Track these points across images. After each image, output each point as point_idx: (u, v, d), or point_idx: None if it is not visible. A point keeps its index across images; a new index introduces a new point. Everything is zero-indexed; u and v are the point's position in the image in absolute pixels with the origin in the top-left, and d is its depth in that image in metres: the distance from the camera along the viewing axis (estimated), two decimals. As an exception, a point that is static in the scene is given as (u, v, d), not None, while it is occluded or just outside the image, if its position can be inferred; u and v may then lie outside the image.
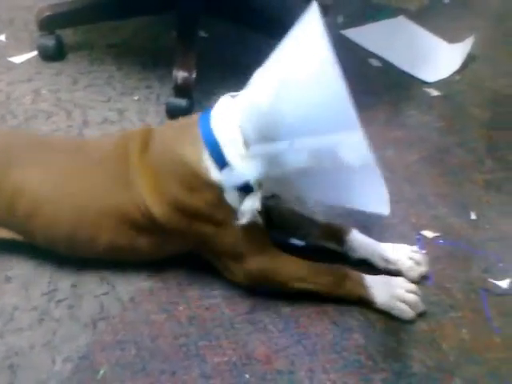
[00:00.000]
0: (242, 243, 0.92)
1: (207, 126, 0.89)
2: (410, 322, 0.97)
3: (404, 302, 0.96)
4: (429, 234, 1.16)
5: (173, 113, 1.30)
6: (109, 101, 1.35)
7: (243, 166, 0.87)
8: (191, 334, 0.92)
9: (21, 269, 0.97)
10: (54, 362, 0.85)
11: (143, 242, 0.95)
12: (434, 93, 1.56)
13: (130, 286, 0.97)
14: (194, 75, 1.28)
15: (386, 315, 0.97)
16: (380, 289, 0.96)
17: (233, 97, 0.92)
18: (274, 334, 0.94)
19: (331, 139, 0.77)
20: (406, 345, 0.95)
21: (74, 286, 0.96)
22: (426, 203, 1.23)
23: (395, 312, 0.96)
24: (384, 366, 0.92)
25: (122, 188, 0.93)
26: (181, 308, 0.95)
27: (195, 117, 0.95)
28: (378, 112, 1.47)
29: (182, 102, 1.29)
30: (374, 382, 0.89)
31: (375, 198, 0.83)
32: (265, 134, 0.83)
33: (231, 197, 0.89)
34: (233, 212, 0.90)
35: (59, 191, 0.94)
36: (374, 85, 1.58)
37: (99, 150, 0.99)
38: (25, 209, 0.93)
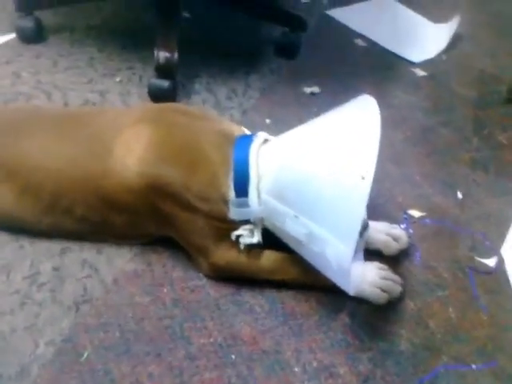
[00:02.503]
0: (209, 237, 0.92)
1: (244, 154, 0.91)
2: (397, 301, 0.98)
3: (378, 287, 0.95)
4: (415, 213, 1.15)
5: (155, 94, 1.27)
6: (90, 82, 1.32)
7: (255, 205, 0.90)
8: (176, 315, 0.91)
9: (1, 253, 0.95)
10: (36, 345, 0.83)
11: (116, 220, 0.93)
12: (421, 73, 1.55)
13: (114, 269, 0.95)
14: (176, 56, 1.25)
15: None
16: (353, 277, 0.91)
17: (266, 141, 0.95)
18: (260, 314, 0.93)
19: (327, 236, 0.82)
20: (393, 324, 0.94)
21: (56, 269, 0.94)
22: (411, 183, 1.22)
23: (370, 298, 0.95)
24: (371, 344, 0.91)
25: (100, 157, 0.91)
26: (165, 290, 0.94)
27: (234, 133, 0.95)
28: (362, 93, 1.46)
29: (165, 83, 1.26)
30: (361, 360, 0.89)
31: (344, 282, 0.89)
32: (281, 195, 0.88)
33: (233, 214, 0.91)
34: (230, 223, 0.91)
35: (45, 160, 0.92)
36: (360, 65, 1.56)
37: (98, 119, 0.97)
38: (21, 181, 0.92)
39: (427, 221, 1.14)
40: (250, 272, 0.95)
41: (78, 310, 0.88)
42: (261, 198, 0.89)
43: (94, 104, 1.26)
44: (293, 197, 0.87)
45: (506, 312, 0.99)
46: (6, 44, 1.40)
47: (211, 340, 0.88)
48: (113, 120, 0.95)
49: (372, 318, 0.95)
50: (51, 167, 0.91)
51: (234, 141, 0.93)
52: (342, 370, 0.87)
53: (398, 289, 0.97)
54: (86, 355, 0.84)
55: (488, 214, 1.17)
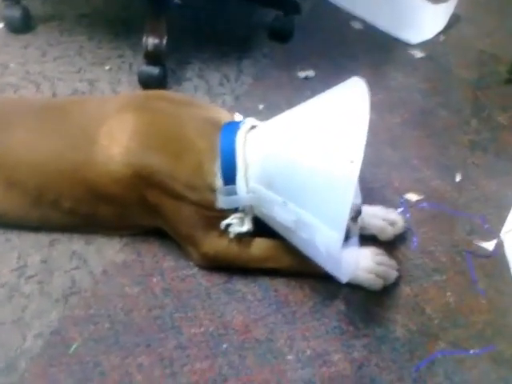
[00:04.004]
0: (198, 227, 0.90)
1: (230, 142, 0.89)
2: (393, 286, 0.95)
3: (373, 273, 0.93)
4: (412, 197, 1.12)
5: (145, 81, 1.24)
6: (79, 72, 1.29)
7: (243, 193, 0.88)
8: (166, 305, 0.89)
9: (-12, 246, 0.94)
10: (24, 338, 0.82)
11: (105, 212, 0.92)
12: (419, 54, 1.51)
13: (103, 260, 0.93)
14: (164, 42, 1.22)
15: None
16: (347, 264, 0.91)
17: (254, 127, 0.93)
18: (252, 303, 0.91)
19: (316, 223, 0.80)
20: (389, 310, 0.92)
21: (43, 261, 0.92)
22: (409, 166, 1.19)
23: (364, 284, 0.93)
24: (366, 331, 0.89)
25: (84, 147, 0.89)
26: (155, 280, 0.92)
27: (221, 120, 0.93)
28: (361, 75, 1.41)
29: (154, 70, 1.23)
30: (356, 347, 0.87)
31: (335, 269, 0.87)
32: (269, 182, 0.86)
33: (221, 203, 0.89)
34: (219, 212, 0.89)
35: (28, 153, 0.91)
36: (356, 48, 1.52)
37: (81, 109, 0.95)
38: (5, 176, 0.91)
39: (425, 205, 1.11)
40: (240, 261, 0.93)
41: (66, 302, 0.87)
42: (249, 185, 0.87)
43: (83, 93, 1.24)
44: (280, 183, 0.84)
45: (504, 296, 0.96)
46: (-6, 34, 1.39)
47: (202, 329, 0.87)
48: (96, 109, 0.93)
49: (367, 303, 0.93)
50: (35, 161, 0.90)
51: (220, 128, 0.91)
52: (336, 357, 0.85)
53: (393, 274, 0.95)
54: (74, 347, 0.82)
55: (487, 196, 1.14)
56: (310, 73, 1.40)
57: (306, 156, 0.83)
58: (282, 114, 0.93)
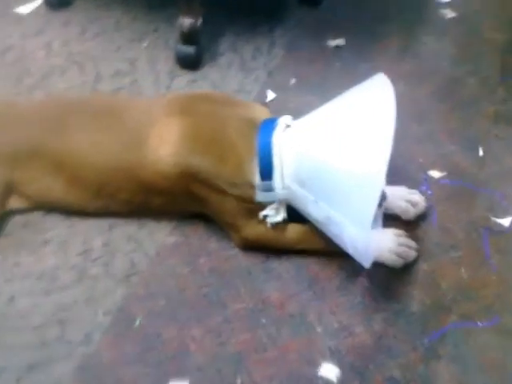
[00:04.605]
0: (239, 216, 1.01)
1: (267, 142, 0.98)
2: (412, 263, 1.06)
3: (395, 253, 1.03)
4: (435, 173, 1.20)
5: (182, 61, 1.31)
6: (118, 50, 1.36)
7: (279, 189, 0.99)
8: (213, 284, 1.03)
9: (56, 231, 1.07)
10: (96, 314, 0.98)
11: (156, 200, 1.04)
12: (450, 14, 1.50)
13: (155, 242, 1.07)
14: (200, 21, 1.27)
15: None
16: (369, 250, 1.00)
17: (288, 126, 1.01)
18: (286, 280, 1.04)
19: (344, 221, 0.90)
20: (407, 285, 1.04)
21: (105, 244, 1.06)
22: (433, 141, 1.25)
23: (387, 263, 1.04)
24: (386, 306, 1.02)
25: (137, 149, 1.00)
26: (202, 261, 1.06)
27: (258, 118, 1.02)
28: (392, 40, 1.44)
29: (191, 50, 1.29)
30: (376, 320, 1.00)
31: (360, 257, 0.97)
32: (302, 181, 0.95)
33: (259, 197, 1.00)
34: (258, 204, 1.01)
35: (89, 154, 1.02)
36: (389, 10, 1.52)
37: (132, 112, 1.05)
38: (68, 173, 1.03)
39: (447, 181, 1.19)
40: (276, 244, 1.05)
41: (128, 281, 1.02)
42: (284, 182, 0.97)
43: (125, 74, 1.32)
44: (312, 183, 0.94)
45: (514, 271, 1.07)
46: (35, 12, 1.44)
47: (244, 305, 1.01)
48: (145, 111, 1.03)
49: (388, 280, 1.05)
50: (95, 161, 1.02)
51: (258, 126, 1.00)
52: (358, 330, 0.99)
53: (413, 254, 1.06)
54: (138, 321, 0.98)
55: (507, 170, 1.21)
56: (341, 41, 1.43)
57: (335, 159, 0.92)
58: (313, 113, 1.00)
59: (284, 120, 1.01)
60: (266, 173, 0.98)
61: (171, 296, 1.01)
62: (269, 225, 1.02)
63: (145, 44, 1.37)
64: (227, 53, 1.38)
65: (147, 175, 1.00)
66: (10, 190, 1.05)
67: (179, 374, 0.91)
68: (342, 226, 0.91)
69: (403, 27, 1.47)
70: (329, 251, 1.05)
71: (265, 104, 1.28)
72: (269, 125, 1.00)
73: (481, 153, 1.23)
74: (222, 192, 0.99)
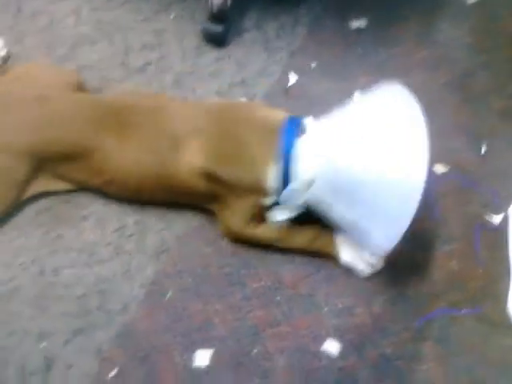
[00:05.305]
0: (243, 217, 1.11)
1: (290, 147, 1.05)
2: (410, 255, 1.19)
3: (367, 262, 1.14)
4: (440, 168, 1.29)
5: (210, 38, 1.34)
6: (146, 20, 1.38)
7: (301, 195, 1.07)
8: (234, 264, 1.16)
9: (93, 208, 1.18)
10: (131, 287, 1.11)
11: (181, 198, 1.16)
12: (471, 0, 1.52)
13: (183, 223, 1.18)
14: (229, 1, 1.28)
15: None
16: (346, 249, 1.14)
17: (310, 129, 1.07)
18: (299, 263, 1.17)
19: (371, 231, 1.01)
20: (404, 273, 1.18)
21: (137, 222, 1.17)
22: (442, 135, 1.30)
23: (356, 269, 1.15)
24: (384, 290, 1.16)
25: (173, 159, 1.09)
26: (224, 242, 1.17)
27: (279, 125, 1.08)
28: (410, 25, 1.47)
29: (218, 28, 1.32)
30: (375, 303, 1.14)
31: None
32: (333, 192, 1.02)
33: (269, 200, 1.10)
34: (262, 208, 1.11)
35: (132, 159, 1.11)
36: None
37: (170, 119, 1.12)
38: (108, 174, 1.12)
39: (449, 177, 1.29)
40: (256, 241, 1.15)
41: (158, 258, 1.14)
42: (307, 188, 1.05)
43: (152, 48, 1.35)
44: (345, 196, 1.02)
45: (499, 266, 1.20)
46: (63, -26, 1.43)
47: (261, 284, 1.14)
48: (181, 121, 1.11)
49: (387, 268, 1.17)
50: (133, 169, 1.10)
51: (280, 133, 1.07)
52: (359, 310, 1.13)
53: (381, 265, 1.14)
54: (169, 295, 1.11)
55: (506, 168, 1.30)
56: (363, 22, 1.46)
57: (369, 177, 0.98)
58: (336, 115, 1.07)
59: (307, 123, 1.08)
60: (288, 178, 1.07)
61: (196, 273, 1.14)
62: (273, 222, 1.12)
63: (171, 16, 1.39)
64: (252, 29, 1.41)
65: (180, 182, 1.10)
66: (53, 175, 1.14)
67: (205, 344, 1.06)
68: (366, 234, 1.02)
69: (423, 11, 1.49)
70: (304, 250, 1.16)
71: (286, 90, 1.35)
72: (292, 129, 1.07)
73: (484, 149, 1.32)
74: (242, 196, 1.09)
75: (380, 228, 1.00)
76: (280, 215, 1.12)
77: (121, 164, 1.11)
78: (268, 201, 1.10)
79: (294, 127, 1.08)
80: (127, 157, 1.11)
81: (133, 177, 1.11)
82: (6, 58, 1.29)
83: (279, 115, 1.11)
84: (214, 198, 1.13)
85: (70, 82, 1.20)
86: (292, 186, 1.07)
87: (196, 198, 1.15)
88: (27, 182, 1.12)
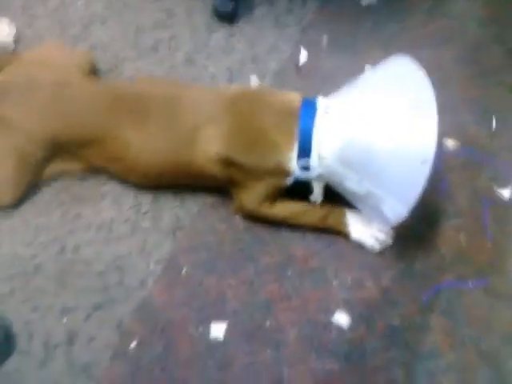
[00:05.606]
0: (258, 198, 1.14)
1: (308, 126, 1.08)
2: (417, 229, 1.21)
3: (376, 238, 1.17)
4: (450, 143, 1.30)
5: (220, 15, 1.34)
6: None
7: (316, 170, 1.10)
8: (247, 240, 1.19)
9: (109, 186, 1.21)
10: (148, 264, 1.15)
11: (202, 182, 1.18)
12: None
13: (197, 201, 1.21)
14: (240, -22, 1.28)
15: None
16: (357, 226, 1.17)
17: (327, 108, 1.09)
18: (310, 239, 1.20)
19: (387, 197, 1.03)
20: (412, 248, 1.20)
21: (153, 200, 1.21)
22: (453, 110, 1.33)
23: (366, 244, 1.18)
24: (393, 264, 1.19)
25: (192, 145, 1.12)
26: (237, 219, 1.21)
27: (295, 106, 1.10)
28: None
29: (229, 5, 1.32)
30: (384, 277, 1.18)
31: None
32: (347, 161, 1.05)
33: (290, 181, 1.13)
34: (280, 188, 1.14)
35: (150, 148, 1.13)
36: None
37: (189, 107, 1.13)
38: (126, 162, 1.15)
39: (459, 152, 1.29)
40: (269, 219, 1.18)
41: (174, 235, 1.18)
42: (323, 162, 1.08)
43: (164, 26, 1.36)
44: (358, 166, 1.05)
45: (507, 239, 1.22)
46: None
47: (273, 259, 1.18)
48: (199, 109, 1.12)
49: (396, 242, 1.20)
50: (151, 158, 1.12)
51: (298, 115, 1.09)
52: (368, 284, 1.17)
53: (389, 241, 1.18)
54: (184, 270, 1.16)
55: (516, 143, 1.31)
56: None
57: (382, 147, 1.02)
58: (349, 91, 1.10)
59: (323, 103, 1.10)
60: (305, 153, 1.09)
61: (211, 249, 1.18)
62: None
63: (182, -9, 1.40)
64: (262, 6, 1.40)
65: (199, 167, 1.13)
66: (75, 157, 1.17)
67: (219, 317, 1.11)
68: (381, 201, 1.05)
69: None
70: (315, 227, 1.19)
71: (297, 66, 1.36)
72: (309, 110, 1.09)
73: (494, 123, 1.32)
74: (260, 179, 1.12)
75: (394, 195, 1.03)
76: (313, 197, 1.15)
77: (139, 153, 1.13)
78: (289, 181, 1.13)
79: (309, 108, 1.10)
80: (146, 146, 1.13)
81: (152, 166, 1.14)
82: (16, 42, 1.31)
83: (294, 98, 1.13)
84: (230, 181, 1.15)
85: (84, 64, 1.22)
86: (309, 162, 1.09)
87: (212, 182, 1.17)
88: (44, 165, 1.16)
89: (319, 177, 1.12)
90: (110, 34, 1.36)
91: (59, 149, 1.14)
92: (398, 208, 1.03)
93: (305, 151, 1.08)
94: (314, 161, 1.09)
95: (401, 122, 1.02)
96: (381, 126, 1.03)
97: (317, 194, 1.15)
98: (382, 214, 1.08)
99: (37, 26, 1.37)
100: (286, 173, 1.11)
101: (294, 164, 1.10)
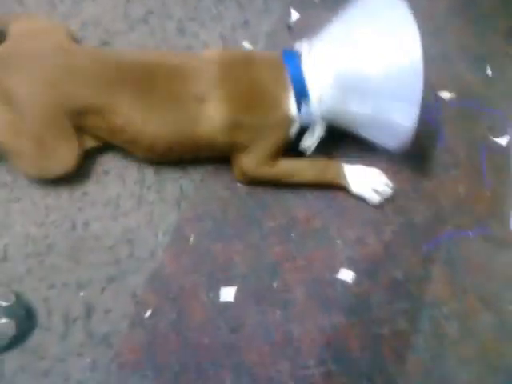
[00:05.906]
0: (261, 159, 1.16)
1: (297, 70, 1.12)
2: (416, 182, 1.24)
3: (375, 190, 1.20)
4: (445, 94, 1.31)
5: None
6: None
7: (317, 111, 1.13)
8: (250, 205, 1.22)
9: (113, 162, 1.23)
10: (156, 235, 1.19)
11: (208, 152, 1.20)
12: None
13: (198, 168, 1.24)
14: None
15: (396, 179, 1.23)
16: (355, 179, 1.20)
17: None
18: (311, 200, 1.23)
19: (394, 105, 1.07)
20: (412, 201, 1.24)
21: (155, 173, 1.23)
22: (446, 59, 1.33)
23: (367, 198, 1.21)
24: (393, 219, 1.23)
25: (196, 116, 1.13)
26: (240, 185, 1.24)
27: (278, 58, 1.14)
28: None
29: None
30: (385, 232, 1.21)
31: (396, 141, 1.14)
32: (342, 87, 1.09)
33: (294, 129, 1.16)
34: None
35: (156, 122, 1.13)
36: None
37: (188, 76, 1.13)
38: (131, 134, 1.15)
39: (455, 102, 1.30)
40: (269, 179, 1.21)
41: (179, 206, 1.21)
42: (322, 99, 1.11)
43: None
44: (357, 87, 1.09)
45: (505, 187, 1.24)
46: None
47: (277, 222, 1.22)
48: (193, 79, 1.12)
49: (397, 196, 1.23)
50: (158, 131, 1.13)
51: (283, 66, 1.12)
52: (370, 240, 1.21)
53: (389, 192, 1.21)
54: (191, 240, 1.19)
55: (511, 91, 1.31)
56: None
57: (373, 62, 1.06)
58: (331, 28, 1.13)
59: (305, 46, 1.14)
60: (302, 97, 1.12)
61: (216, 217, 1.21)
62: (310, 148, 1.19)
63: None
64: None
65: (204, 139, 1.14)
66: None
67: (228, 282, 1.15)
68: (390, 111, 1.08)
69: None
70: (315, 183, 1.22)
71: (289, 27, 1.34)
72: (292, 57, 1.13)
73: (489, 71, 1.32)
74: (265, 138, 1.14)
75: (397, 110, 1.07)
76: (309, 141, 1.17)
77: (144, 125, 1.13)
78: (294, 130, 1.16)
79: (292, 56, 1.14)
80: (150, 120, 1.13)
81: (158, 139, 1.15)
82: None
83: (272, 53, 1.16)
84: (234, 147, 1.17)
85: (68, 35, 1.21)
86: (308, 104, 1.13)
87: (217, 151, 1.19)
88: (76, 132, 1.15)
89: (322, 117, 1.15)
90: (99, 8, 1.34)
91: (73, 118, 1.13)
92: (408, 109, 1.07)
93: (302, 94, 1.12)
94: (313, 100, 1.12)
95: (383, 38, 1.06)
96: (364, 46, 1.07)
97: (316, 136, 1.17)
98: (394, 128, 1.10)
99: (26, 4, 1.35)
100: (289, 122, 1.14)
101: (295, 111, 1.13)
